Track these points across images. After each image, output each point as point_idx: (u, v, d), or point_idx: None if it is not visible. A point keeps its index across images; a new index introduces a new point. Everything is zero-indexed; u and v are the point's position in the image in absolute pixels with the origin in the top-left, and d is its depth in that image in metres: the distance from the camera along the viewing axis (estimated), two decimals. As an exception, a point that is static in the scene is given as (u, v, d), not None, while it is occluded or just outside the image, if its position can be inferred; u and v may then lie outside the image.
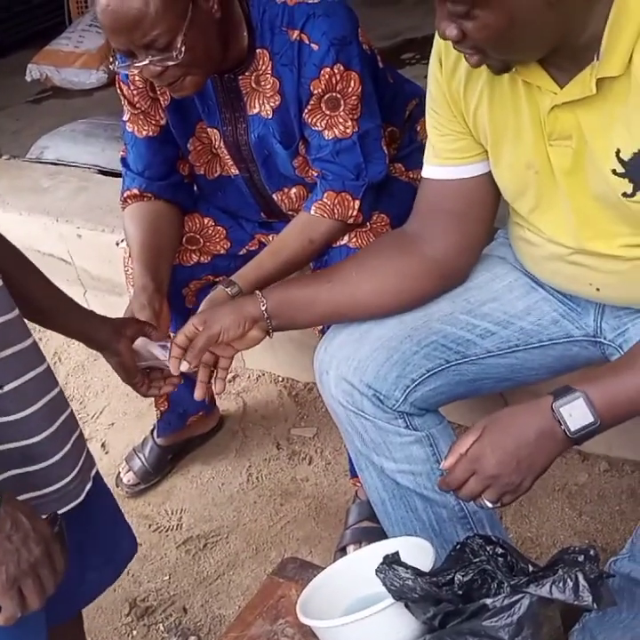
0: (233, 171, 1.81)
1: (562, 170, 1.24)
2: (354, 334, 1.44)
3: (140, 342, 1.51)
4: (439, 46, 1.31)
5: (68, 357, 2.66)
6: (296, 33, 1.60)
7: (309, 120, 1.66)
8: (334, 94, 1.63)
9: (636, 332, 1.36)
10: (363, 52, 1.65)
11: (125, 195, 1.84)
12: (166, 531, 2.05)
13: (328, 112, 1.64)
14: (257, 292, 1.44)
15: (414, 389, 1.41)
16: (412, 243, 1.42)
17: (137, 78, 1.72)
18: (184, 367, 1.42)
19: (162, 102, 1.75)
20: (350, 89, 1.63)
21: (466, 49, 1.14)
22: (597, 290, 1.35)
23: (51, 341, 2.67)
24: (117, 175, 2.73)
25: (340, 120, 1.64)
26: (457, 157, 1.36)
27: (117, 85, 1.78)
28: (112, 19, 1.46)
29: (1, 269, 1.17)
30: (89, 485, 1.21)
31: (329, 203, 1.68)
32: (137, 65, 1.51)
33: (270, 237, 1.89)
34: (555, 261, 1.36)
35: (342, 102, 1.63)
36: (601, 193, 1.22)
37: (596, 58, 1.12)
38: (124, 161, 1.85)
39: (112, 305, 2.60)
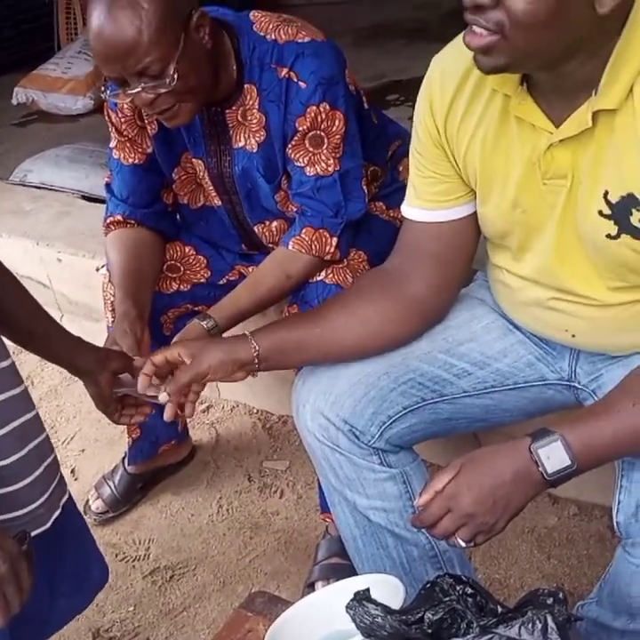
0: (216, 202, 1.83)
1: (553, 209, 1.24)
2: (332, 369, 1.44)
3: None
4: (431, 89, 1.31)
5: (40, 381, 2.64)
6: (285, 70, 1.62)
7: (292, 155, 1.68)
8: (318, 132, 1.65)
9: (609, 377, 1.37)
10: (348, 93, 1.68)
11: (108, 220, 1.85)
12: (133, 560, 2.03)
13: (311, 149, 1.66)
14: (248, 335, 1.42)
15: (390, 426, 1.42)
16: (394, 283, 1.43)
17: (125, 106, 1.73)
18: (163, 398, 1.41)
19: (149, 131, 1.76)
20: (334, 128, 1.65)
21: (487, 22, 1.05)
22: (573, 336, 1.36)
23: (24, 365, 2.65)
24: (101, 201, 2.74)
25: (323, 158, 1.67)
26: (438, 200, 1.37)
27: (105, 112, 1.79)
28: (105, 46, 1.48)
29: None
30: (57, 513, 1.20)
31: (307, 239, 1.70)
32: (129, 92, 1.52)
33: (250, 269, 1.90)
34: (532, 307, 1.38)
35: (326, 140, 1.65)
36: (586, 233, 1.23)
37: (594, 93, 1.13)
38: (108, 187, 1.86)
39: (88, 330, 2.58)
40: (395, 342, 1.44)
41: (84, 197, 2.83)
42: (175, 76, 1.50)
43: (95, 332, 2.56)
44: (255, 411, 2.41)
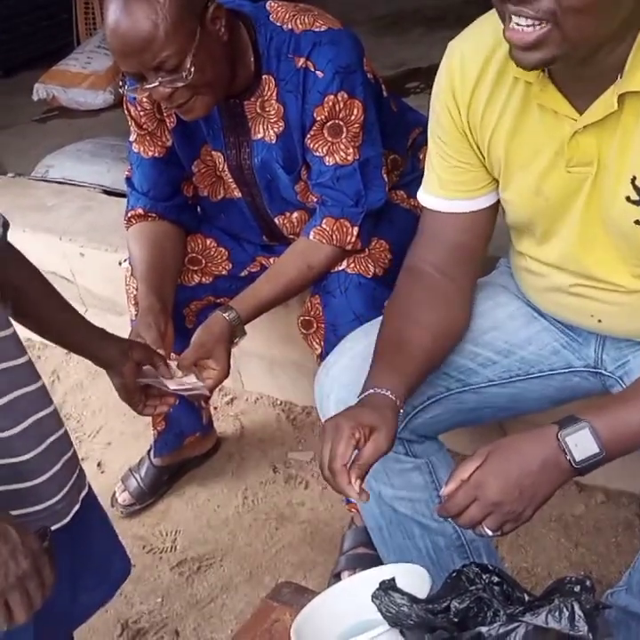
0: (236, 194, 1.83)
1: (577, 196, 1.23)
2: (356, 359, 1.43)
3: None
4: (451, 77, 1.28)
5: (66, 376, 2.66)
6: (302, 60, 1.62)
7: (311, 145, 1.68)
8: (337, 121, 1.65)
9: (637, 364, 1.36)
10: (367, 81, 1.67)
11: (129, 214, 1.86)
12: (160, 552, 2.04)
13: (330, 138, 1.66)
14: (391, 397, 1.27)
15: (415, 416, 1.41)
16: (437, 281, 1.38)
17: (144, 100, 1.73)
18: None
19: (168, 124, 1.76)
20: (353, 117, 1.65)
21: (536, 12, 1.02)
22: (599, 321, 1.35)
23: (50, 359, 2.68)
24: (122, 195, 2.75)
25: (342, 147, 1.66)
26: (464, 190, 1.35)
27: (125, 106, 1.80)
28: (122, 42, 1.48)
29: (17, 285, 1.18)
30: (76, 507, 1.20)
31: (328, 229, 1.69)
32: (147, 87, 1.52)
33: (271, 260, 1.90)
34: (557, 293, 1.37)
35: (344, 129, 1.65)
36: (613, 219, 1.22)
37: (619, 77, 1.11)
38: (128, 181, 1.87)
39: (112, 324, 2.58)
40: (456, 339, 1.41)
41: (105, 192, 2.83)
42: (192, 70, 1.50)
43: (119, 326, 2.56)
44: (279, 402, 2.41)
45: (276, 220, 1.85)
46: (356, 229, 1.70)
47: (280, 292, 1.72)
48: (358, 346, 1.45)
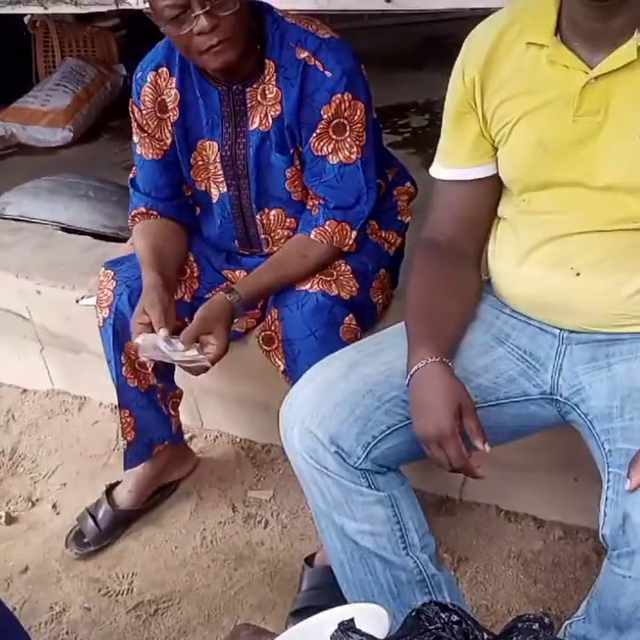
0: (222, 188, 1.90)
1: (580, 142, 1.33)
2: (319, 389, 1.45)
3: (147, 337, 1.72)
4: (463, 57, 1.45)
5: (21, 415, 2.61)
6: (305, 53, 1.74)
7: (316, 145, 1.77)
8: (342, 120, 1.75)
9: (593, 392, 1.39)
10: (367, 86, 1.79)
11: (133, 213, 1.98)
12: (116, 595, 2.00)
13: (334, 136, 1.76)
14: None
15: (376, 446, 1.42)
16: (451, 253, 1.51)
17: (148, 99, 1.86)
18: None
19: (171, 118, 1.87)
20: (356, 117, 1.75)
21: None
22: (577, 274, 1.39)
23: (5, 398, 2.64)
24: (80, 233, 2.75)
25: (346, 145, 1.76)
26: (466, 159, 1.48)
27: (130, 108, 1.92)
28: None
29: None
30: None
31: (330, 230, 1.80)
32: (197, 13, 1.60)
33: (237, 273, 1.99)
34: (539, 249, 1.42)
35: (348, 128, 1.76)
36: (626, 159, 1.30)
37: (637, 33, 1.26)
38: (132, 182, 1.99)
39: (69, 362, 2.58)
40: (477, 297, 1.54)
41: (63, 229, 2.82)
42: (239, 1, 1.63)
43: (77, 364, 2.56)
44: (238, 440, 2.39)
45: (256, 217, 1.91)
46: (354, 233, 1.82)
47: (278, 279, 1.81)
48: (319, 377, 1.48)
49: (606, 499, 1.27)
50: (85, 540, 2.10)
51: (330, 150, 1.77)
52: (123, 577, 2.05)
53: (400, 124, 3.92)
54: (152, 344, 1.71)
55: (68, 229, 2.81)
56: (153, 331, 1.73)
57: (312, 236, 1.80)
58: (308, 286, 1.77)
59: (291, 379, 1.73)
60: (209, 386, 2.23)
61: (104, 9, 2.94)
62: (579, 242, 1.38)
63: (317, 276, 1.79)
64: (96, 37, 4.56)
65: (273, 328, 1.80)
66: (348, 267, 1.84)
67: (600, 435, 1.35)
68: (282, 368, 1.80)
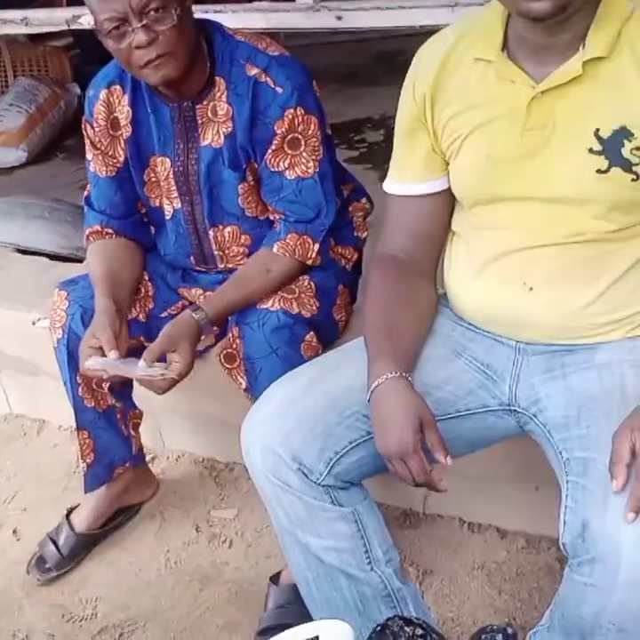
0: (175, 204, 1.90)
1: (529, 156, 1.35)
2: (280, 406, 1.45)
3: (97, 361, 1.71)
4: (414, 74, 1.47)
5: (-21, 440, 2.58)
6: (255, 70, 1.75)
7: (272, 161, 1.77)
8: (296, 135, 1.76)
9: (550, 403, 1.41)
10: (318, 101, 1.80)
11: (88, 232, 1.97)
12: (80, 620, 1.97)
13: (290, 151, 1.77)
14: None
15: (338, 462, 1.42)
16: (407, 267, 1.52)
17: (100, 116, 1.86)
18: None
19: (123, 135, 1.87)
20: (310, 131, 1.77)
21: None
22: (531, 289, 1.41)
23: (-38, 424, 2.59)
24: (36, 254, 2.72)
25: (303, 160, 1.77)
26: (418, 174, 1.50)
27: (83, 126, 1.92)
28: None
29: None
30: None
31: (291, 243, 1.81)
32: (134, 27, 1.60)
33: (193, 291, 1.99)
34: (491, 265, 1.44)
35: (303, 143, 1.77)
36: (573, 171, 1.32)
37: (581, 48, 1.29)
38: (87, 200, 1.98)
39: (26, 385, 2.55)
40: (434, 309, 1.56)
41: (18, 251, 2.79)
42: (178, 15, 1.62)
43: (35, 387, 2.52)
44: (201, 459, 2.38)
45: (209, 233, 1.91)
46: (317, 246, 1.82)
47: (243, 295, 1.81)
48: (279, 394, 1.48)
49: (565, 507, 1.28)
50: (47, 565, 2.07)
51: (286, 165, 1.78)
52: (86, 602, 2.02)
53: (356, 140, 3.96)
54: (108, 365, 1.71)
55: (23, 251, 2.78)
56: (103, 354, 1.73)
57: (274, 250, 1.81)
58: (268, 304, 1.77)
59: (253, 396, 1.73)
60: (170, 405, 2.21)
61: (56, 29, 2.93)
62: (530, 256, 1.40)
63: (279, 293, 1.79)
64: (49, 56, 4.54)
65: (234, 346, 1.79)
66: (312, 283, 1.85)
67: (558, 444, 1.37)
68: (244, 386, 1.80)
